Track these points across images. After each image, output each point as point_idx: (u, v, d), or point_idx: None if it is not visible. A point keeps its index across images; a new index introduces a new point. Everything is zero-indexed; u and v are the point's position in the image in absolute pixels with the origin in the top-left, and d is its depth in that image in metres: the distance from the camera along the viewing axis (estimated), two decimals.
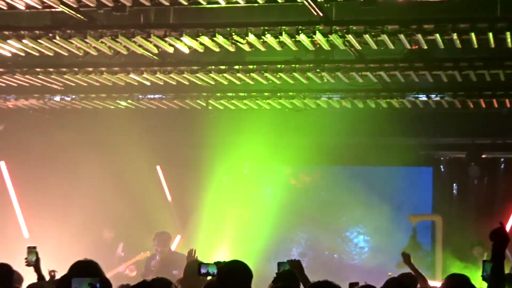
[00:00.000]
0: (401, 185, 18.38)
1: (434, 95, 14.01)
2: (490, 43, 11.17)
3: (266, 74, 13.24)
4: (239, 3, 9.97)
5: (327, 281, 7.26)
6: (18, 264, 10.04)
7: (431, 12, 10.90)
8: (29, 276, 10.15)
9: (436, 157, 18.54)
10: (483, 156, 17.95)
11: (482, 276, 9.05)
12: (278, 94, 14.41)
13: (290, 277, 8.93)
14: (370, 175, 18.40)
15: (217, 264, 9.53)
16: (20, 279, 10.04)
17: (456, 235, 17.53)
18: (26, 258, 10.05)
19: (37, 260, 9.95)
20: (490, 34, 10.80)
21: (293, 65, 12.86)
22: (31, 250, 10.08)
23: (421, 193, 18.62)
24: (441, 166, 18.60)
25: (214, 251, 17.89)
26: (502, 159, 18.04)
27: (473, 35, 10.86)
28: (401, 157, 17.95)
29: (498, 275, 6.39)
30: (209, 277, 9.40)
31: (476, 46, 11.33)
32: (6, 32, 11.76)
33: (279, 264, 9.64)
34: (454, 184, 18.46)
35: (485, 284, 9.16)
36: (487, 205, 17.82)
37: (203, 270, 9.87)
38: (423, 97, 14.13)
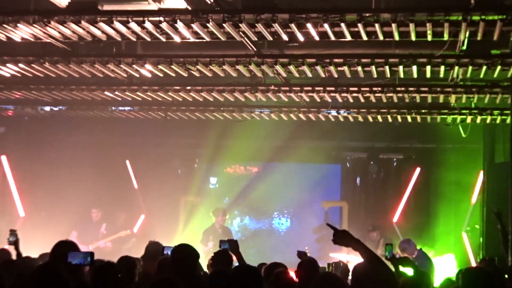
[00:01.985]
0: (317, 177, 18.26)
1: (343, 111, 13.92)
2: (386, 73, 11.12)
3: (212, 93, 13.06)
4: (190, 39, 9.74)
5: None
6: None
7: (340, 48, 10.79)
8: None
9: (344, 157, 18.49)
10: (380, 156, 18.00)
11: (385, 256, 8.95)
12: (222, 108, 14.23)
13: (226, 256, 8.69)
14: (292, 170, 18.27)
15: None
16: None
17: (359, 217, 17.58)
18: (8, 239, 9.71)
19: (17, 240, 9.61)
20: (387, 67, 10.74)
21: (233, 87, 12.69)
22: (12, 232, 9.75)
23: (331, 184, 18.54)
24: (348, 164, 18.55)
25: (170, 228, 17.71)
26: (394, 159, 18.05)
27: (373, 67, 10.79)
28: (317, 156, 17.92)
29: (369, 251, 5.97)
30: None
31: (375, 75, 11.27)
32: (6, 57, 11.49)
33: (221, 241, 9.43)
34: (357, 178, 18.44)
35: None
36: (382, 194, 17.87)
37: (166, 251, 9.66)
38: (334, 113, 14.02)
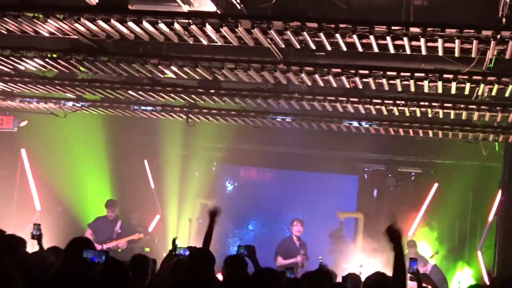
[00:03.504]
0: (334, 188, 18.26)
1: (364, 123, 13.87)
2: (411, 87, 11.07)
3: (235, 98, 13.06)
4: (218, 43, 9.73)
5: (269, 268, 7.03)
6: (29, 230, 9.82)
7: (366, 60, 10.75)
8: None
9: (362, 168, 18.49)
10: (399, 169, 17.98)
11: (408, 270, 8.78)
12: (243, 113, 14.19)
13: (239, 261, 8.64)
14: (309, 179, 18.27)
15: (189, 248, 9.37)
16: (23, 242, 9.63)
17: (373, 229, 17.46)
18: (31, 233, 9.75)
19: (40, 235, 9.66)
20: (412, 81, 10.70)
21: (256, 93, 12.67)
22: (37, 226, 9.80)
23: (348, 195, 18.52)
24: (365, 175, 18.55)
25: (185, 230, 17.75)
26: (413, 173, 18.06)
27: (398, 80, 10.75)
28: (335, 166, 17.91)
29: (402, 265, 6.14)
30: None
31: (400, 89, 11.23)
32: (33, 52, 11.52)
33: (239, 246, 9.44)
34: (375, 190, 18.43)
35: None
36: (398, 208, 17.81)
37: (177, 251, 9.67)
38: (356, 124, 13.98)
